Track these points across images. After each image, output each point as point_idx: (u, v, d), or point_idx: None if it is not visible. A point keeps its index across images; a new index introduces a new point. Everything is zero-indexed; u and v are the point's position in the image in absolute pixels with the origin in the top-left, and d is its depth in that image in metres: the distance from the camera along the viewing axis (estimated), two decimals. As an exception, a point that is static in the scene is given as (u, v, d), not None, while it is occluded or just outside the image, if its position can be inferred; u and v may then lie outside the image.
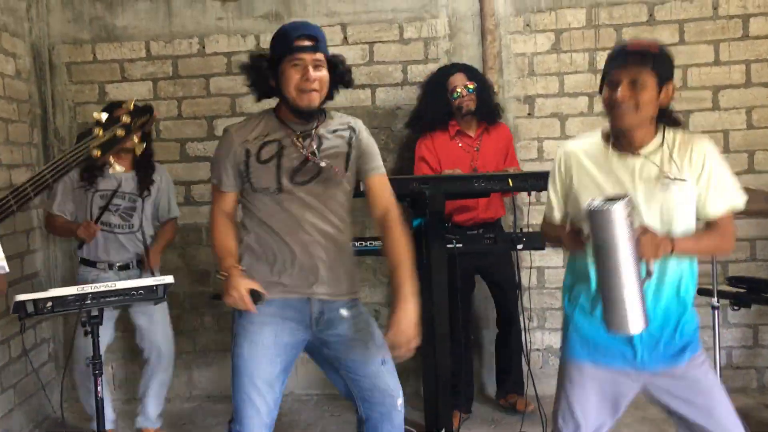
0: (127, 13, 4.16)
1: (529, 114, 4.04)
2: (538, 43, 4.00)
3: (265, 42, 4.05)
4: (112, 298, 2.82)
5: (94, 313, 2.80)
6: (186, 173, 4.20)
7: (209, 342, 4.27)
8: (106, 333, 3.37)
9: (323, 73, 2.22)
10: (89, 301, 2.75)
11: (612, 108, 2.00)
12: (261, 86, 2.29)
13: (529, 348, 3.97)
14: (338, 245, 2.33)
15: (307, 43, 2.18)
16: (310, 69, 2.17)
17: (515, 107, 4.03)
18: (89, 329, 2.81)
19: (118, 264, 3.45)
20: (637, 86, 1.93)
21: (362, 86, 4.09)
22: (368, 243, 3.34)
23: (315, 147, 2.28)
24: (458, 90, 3.59)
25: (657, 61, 1.94)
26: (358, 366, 2.32)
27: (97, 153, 1.55)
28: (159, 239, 3.62)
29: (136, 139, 1.65)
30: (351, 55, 4.05)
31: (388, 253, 2.35)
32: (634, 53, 1.96)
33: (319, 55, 2.20)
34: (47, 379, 4.09)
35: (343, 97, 3.94)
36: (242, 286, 2.18)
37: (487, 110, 3.68)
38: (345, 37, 4.08)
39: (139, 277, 3.45)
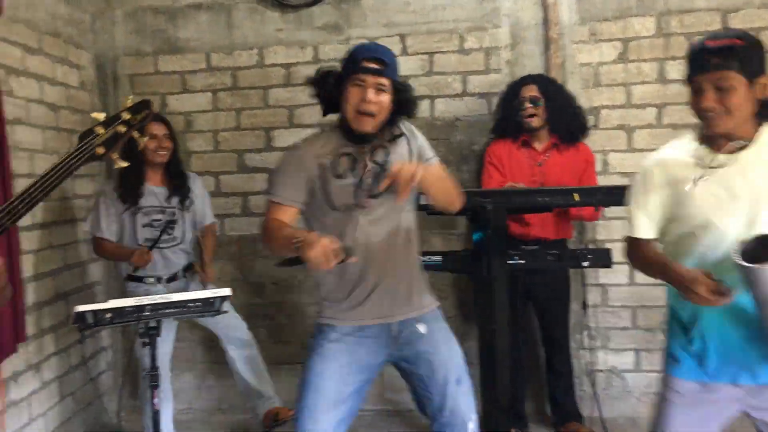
0: (189, 25, 4.19)
1: (594, 126, 3.90)
2: (604, 52, 3.87)
3: (324, 53, 4.08)
4: (170, 310, 2.81)
5: (152, 324, 2.80)
6: (243, 184, 4.20)
7: (264, 354, 4.22)
8: (167, 343, 3.37)
9: (383, 98, 2.18)
10: (147, 313, 2.74)
11: (702, 116, 1.86)
12: (325, 101, 2.27)
13: (591, 369, 3.84)
14: (409, 259, 2.33)
15: (373, 65, 2.16)
16: (370, 91, 2.15)
17: (579, 119, 3.90)
18: (147, 340, 2.81)
19: (166, 277, 3.45)
20: (724, 91, 1.78)
21: (421, 97, 4.00)
22: (427, 258, 3.25)
23: (385, 158, 2.26)
24: (523, 102, 3.47)
25: (742, 58, 1.77)
26: (432, 384, 2.29)
27: (100, 150, 1.59)
28: (206, 250, 3.63)
29: (137, 134, 1.69)
30: (410, 65, 4.00)
31: None
32: (714, 54, 1.79)
33: (384, 80, 2.17)
34: (105, 388, 4.13)
35: (402, 108, 3.98)
36: (325, 241, 1.95)
37: (561, 126, 3.50)
38: (404, 48, 4.02)
39: (186, 286, 3.48)
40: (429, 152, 2.41)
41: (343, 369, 2.24)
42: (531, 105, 3.45)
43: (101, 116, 1.62)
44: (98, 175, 4.13)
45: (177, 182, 3.51)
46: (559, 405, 3.67)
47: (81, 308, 2.67)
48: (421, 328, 2.30)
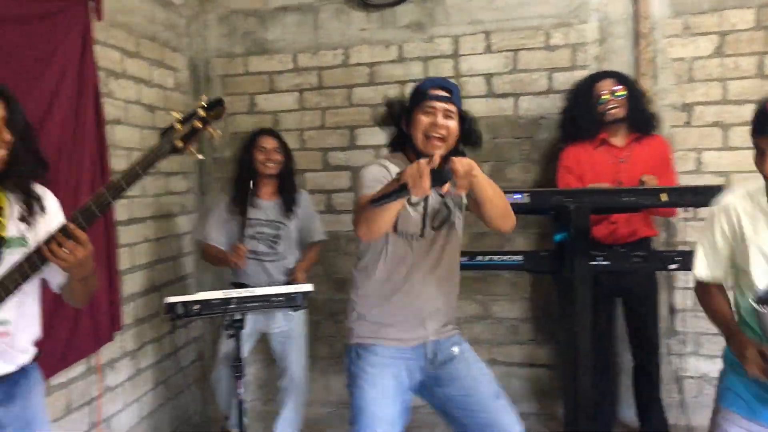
0: (277, 26, 4.30)
1: (686, 123, 3.75)
2: (699, 46, 3.71)
3: (407, 52, 4.10)
4: (255, 304, 2.91)
5: (237, 317, 2.91)
6: (327, 182, 4.28)
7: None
8: (249, 339, 3.48)
9: (452, 124, 2.26)
10: (233, 306, 2.85)
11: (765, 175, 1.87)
12: (398, 137, 2.38)
13: (681, 375, 3.70)
14: (452, 283, 2.41)
15: (441, 93, 2.26)
16: (440, 116, 2.23)
17: (671, 116, 3.75)
18: (232, 333, 2.92)
19: None
20: None
21: (504, 95, 3.98)
22: (508, 257, 3.22)
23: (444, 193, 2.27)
24: (603, 95, 3.39)
25: None
26: (474, 402, 2.32)
27: (179, 144, 1.73)
28: (305, 258, 3.68)
29: (212, 129, 1.79)
30: (494, 63, 3.97)
31: None
32: None
33: (451, 106, 2.26)
34: (194, 377, 4.30)
35: (485, 106, 3.96)
36: (422, 161, 1.96)
37: (640, 119, 3.43)
38: (488, 45, 3.99)
39: None
40: None
41: (390, 391, 2.30)
42: (613, 97, 3.37)
43: (179, 115, 1.76)
44: (192, 173, 4.32)
45: (286, 197, 3.59)
46: (647, 412, 3.55)
47: (172, 299, 2.81)
48: (455, 350, 2.37)
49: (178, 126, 1.73)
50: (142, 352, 3.72)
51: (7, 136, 1.74)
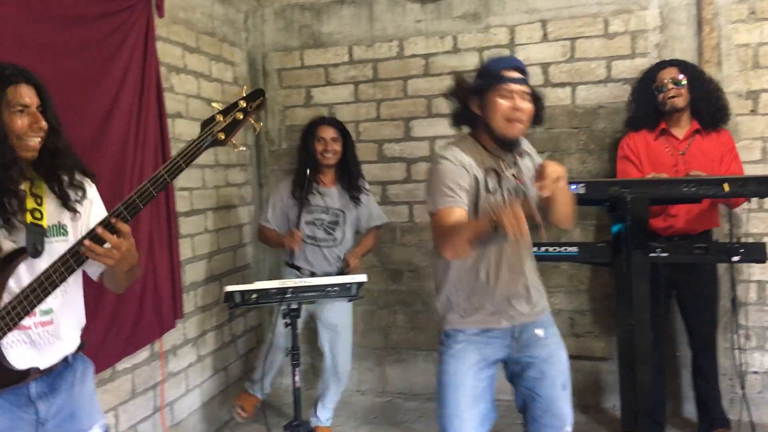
0: (333, 19, 4.34)
1: (752, 111, 3.63)
2: (765, 32, 3.58)
3: (462, 42, 4.08)
4: (310, 293, 2.96)
5: (294, 306, 2.97)
6: (383, 173, 4.30)
7: (401, 340, 4.34)
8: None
9: (530, 106, 2.23)
10: (289, 295, 2.91)
11: None
12: (462, 113, 2.32)
13: (744, 370, 3.60)
14: (533, 265, 2.41)
15: (517, 75, 2.22)
16: (518, 99, 2.20)
17: (736, 103, 3.63)
18: (289, 321, 2.98)
19: (319, 275, 3.56)
20: None
21: (562, 84, 3.92)
22: (563, 248, 3.18)
23: (517, 173, 2.32)
24: (664, 83, 3.31)
25: None
26: (540, 387, 2.34)
27: (221, 136, 1.71)
28: (360, 245, 3.74)
29: (253, 121, 1.76)
30: (551, 52, 3.92)
31: None
32: None
33: (527, 88, 2.23)
34: (252, 365, 4.40)
35: (541, 96, 3.91)
36: (515, 206, 1.90)
37: (705, 111, 3.32)
38: (545, 35, 3.94)
39: None
40: None
41: (474, 366, 2.30)
42: (674, 86, 3.28)
43: (219, 105, 1.74)
44: (249, 165, 4.40)
45: (346, 185, 3.65)
46: (706, 409, 3.47)
47: (230, 288, 2.89)
48: (539, 332, 2.36)
49: (219, 117, 1.71)
50: (203, 340, 3.83)
51: (44, 123, 1.76)
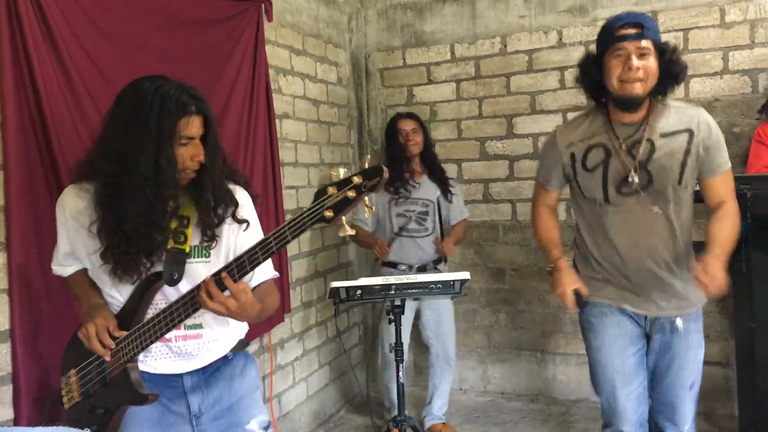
0: (435, 18, 4.35)
1: None
2: None
3: (568, 37, 4.00)
4: (413, 290, 2.98)
5: (397, 302, 3.00)
6: (485, 171, 4.27)
7: (504, 339, 4.30)
8: (406, 324, 3.58)
9: (649, 62, 2.07)
10: (393, 292, 2.94)
11: None
12: (588, 84, 2.22)
13: None
14: (673, 257, 2.21)
15: (630, 30, 2.06)
16: (633, 57, 2.05)
17: None
18: (392, 317, 3.01)
19: (417, 266, 3.62)
20: None
21: (674, 77, 3.77)
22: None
23: (646, 155, 2.15)
24: None
25: None
26: (669, 379, 2.26)
27: (329, 213, 1.54)
28: (452, 234, 3.78)
29: (366, 202, 1.58)
30: (662, 44, 3.76)
31: (706, 233, 2.18)
32: None
33: (645, 43, 2.06)
34: (356, 361, 4.48)
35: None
36: (568, 285, 2.20)
37: None
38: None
39: None
40: (720, 157, 2.20)
41: (616, 341, 2.24)
42: None
43: (340, 174, 1.57)
44: (352, 163, 4.48)
45: (432, 175, 3.71)
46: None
47: (335, 284, 2.95)
48: (679, 323, 2.22)
49: (332, 190, 1.54)
50: (309, 335, 3.92)
51: (202, 157, 1.72)
